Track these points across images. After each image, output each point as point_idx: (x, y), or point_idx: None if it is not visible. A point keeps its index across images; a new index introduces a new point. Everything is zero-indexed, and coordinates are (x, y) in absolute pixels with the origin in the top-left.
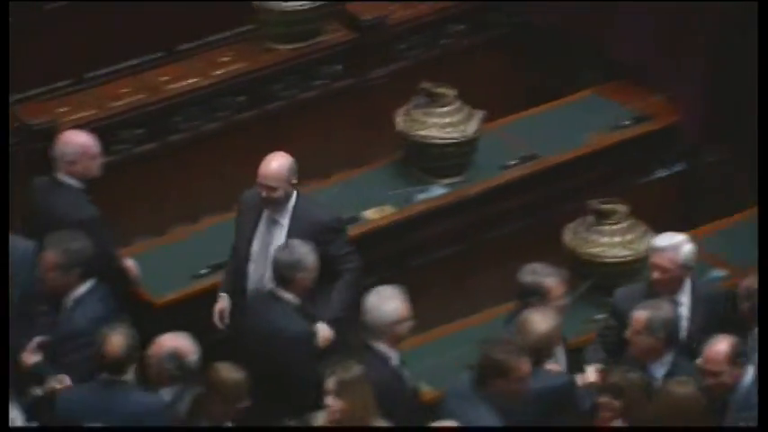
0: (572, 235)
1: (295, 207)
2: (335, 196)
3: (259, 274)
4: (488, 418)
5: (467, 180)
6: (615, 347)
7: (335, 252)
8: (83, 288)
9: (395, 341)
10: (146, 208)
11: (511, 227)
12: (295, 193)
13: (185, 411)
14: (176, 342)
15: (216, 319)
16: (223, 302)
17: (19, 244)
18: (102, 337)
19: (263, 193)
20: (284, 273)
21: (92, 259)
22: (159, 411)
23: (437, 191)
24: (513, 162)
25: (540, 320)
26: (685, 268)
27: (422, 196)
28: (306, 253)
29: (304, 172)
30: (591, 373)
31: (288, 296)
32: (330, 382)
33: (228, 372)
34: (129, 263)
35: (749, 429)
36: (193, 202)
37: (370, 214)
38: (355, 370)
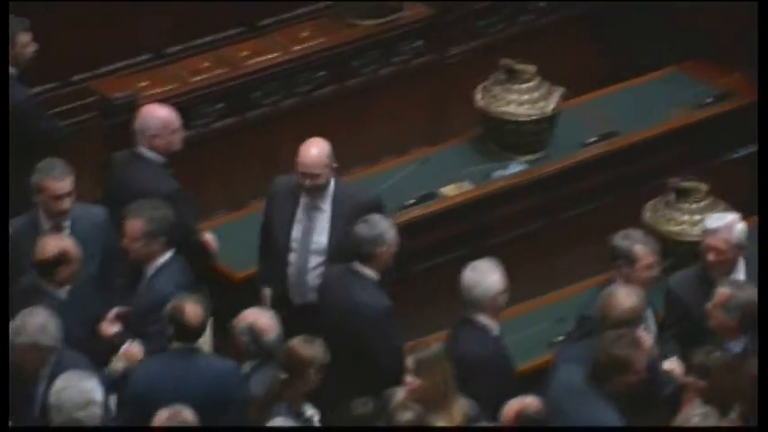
0: (652, 213)
1: (335, 191)
2: (413, 173)
3: (302, 262)
4: (613, 416)
5: (546, 157)
6: (685, 334)
7: None
8: (164, 257)
9: (495, 313)
10: (224, 183)
11: (590, 205)
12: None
13: (264, 392)
14: (257, 318)
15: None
16: (265, 295)
17: (89, 212)
18: (175, 307)
19: (307, 182)
20: (365, 248)
21: (174, 229)
22: (237, 379)
23: (516, 168)
24: (592, 140)
25: (625, 295)
26: (739, 248)
27: (500, 173)
28: (387, 228)
29: (382, 148)
30: (671, 363)
31: (368, 272)
32: (409, 361)
33: (307, 348)
34: (208, 237)
35: (749, 429)
36: (272, 177)
37: (449, 191)
38: (434, 348)
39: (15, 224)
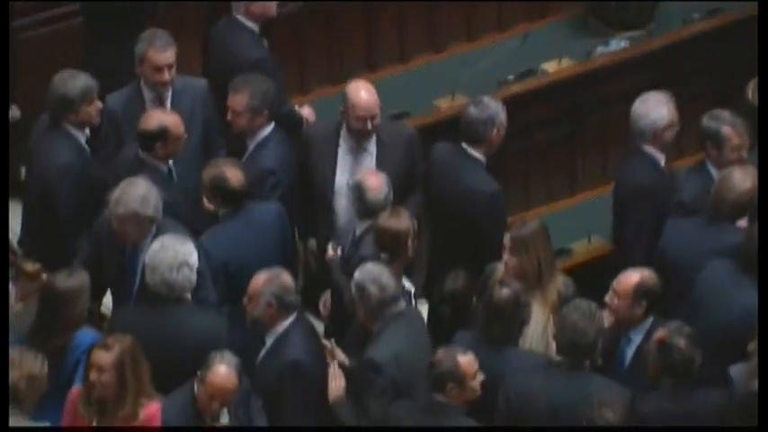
0: (755, 91)
1: (377, 131)
2: (513, 49)
3: (350, 208)
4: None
5: (649, 34)
6: None
7: (418, 170)
8: (266, 131)
9: (662, 145)
10: (325, 57)
11: (694, 83)
12: None
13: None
14: (368, 176)
15: (312, 261)
16: (312, 247)
17: (191, 85)
18: (216, 175)
19: (365, 125)
20: (477, 130)
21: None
22: (281, 219)
23: (618, 45)
24: (697, 16)
25: (742, 178)
26: None
27: (602, 50)
28: (498, 110)
29: (483, 24)
30: None
31: (476, 154)
32: (506, 238)
33: (396, 222)
34: (307, 110)
35: (749, 429)
36: (373, 52)
37: (549, 67)
38: (531, 225)
39: (119, 95)
